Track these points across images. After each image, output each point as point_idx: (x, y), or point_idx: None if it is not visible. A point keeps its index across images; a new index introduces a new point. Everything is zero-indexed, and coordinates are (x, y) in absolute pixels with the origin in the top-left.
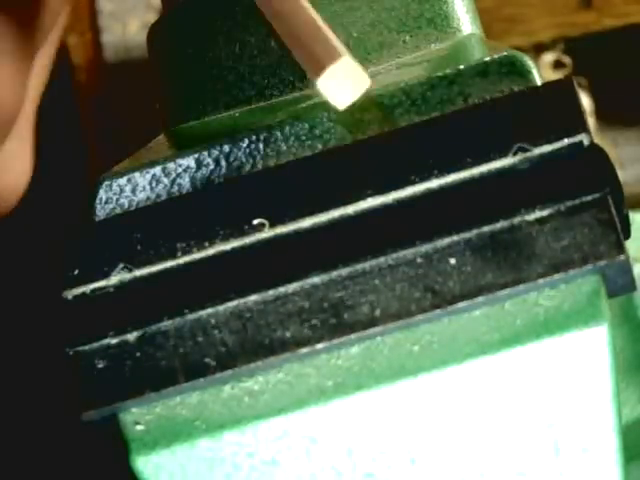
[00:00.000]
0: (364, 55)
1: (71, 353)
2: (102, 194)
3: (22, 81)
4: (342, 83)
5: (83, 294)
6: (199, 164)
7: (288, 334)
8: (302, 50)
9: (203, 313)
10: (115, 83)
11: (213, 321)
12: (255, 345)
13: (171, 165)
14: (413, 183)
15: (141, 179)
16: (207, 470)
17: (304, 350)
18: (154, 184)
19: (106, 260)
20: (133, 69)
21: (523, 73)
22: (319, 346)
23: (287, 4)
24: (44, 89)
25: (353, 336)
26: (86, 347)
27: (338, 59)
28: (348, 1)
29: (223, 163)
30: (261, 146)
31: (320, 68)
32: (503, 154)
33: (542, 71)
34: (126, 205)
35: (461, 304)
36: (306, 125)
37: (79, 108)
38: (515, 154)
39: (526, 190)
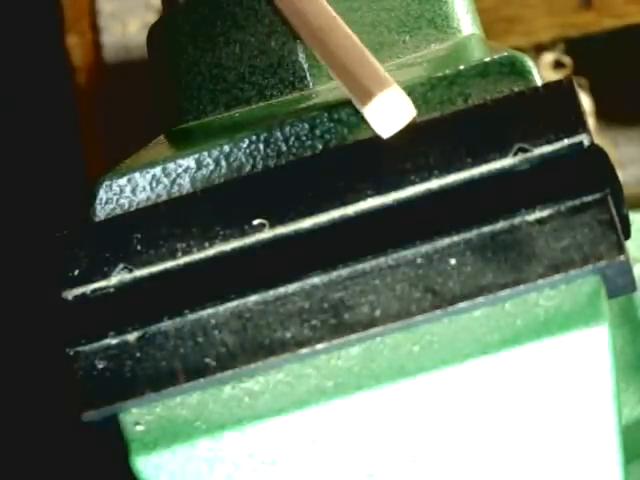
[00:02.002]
0: None
1: (71, 353)
2: (102, 194)
3: None
4: (388, 112)
5: (83, 294)
6: (199, 164)
7: (288, 334)
8: (348, 75)
9: (203, 313)
10: (115, 83)
11: (213, 321)
12: (255, 345)
13: (171, 165)
14: (413, 183)
15: (141, 179)
16: (207, 470)
17: (304, 350)
18: (154, 184)
19: (106, 260)
20: (133, 69)
21: (523, 73)
22: (319, 346)
23: (332, 31)
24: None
25: (353, 336)
26: (86, 347)
27: (387, 88)
28: (348, 1)
29: (223, 163)
30: (261, 146)
31: (368, 96)
32: (503, 154)
33: (542, 71)
34: (126, 205)
35: (461, 304)
36: (306, 125)
37: (79, 108)
38: (515, 154)
39: (526, 190)
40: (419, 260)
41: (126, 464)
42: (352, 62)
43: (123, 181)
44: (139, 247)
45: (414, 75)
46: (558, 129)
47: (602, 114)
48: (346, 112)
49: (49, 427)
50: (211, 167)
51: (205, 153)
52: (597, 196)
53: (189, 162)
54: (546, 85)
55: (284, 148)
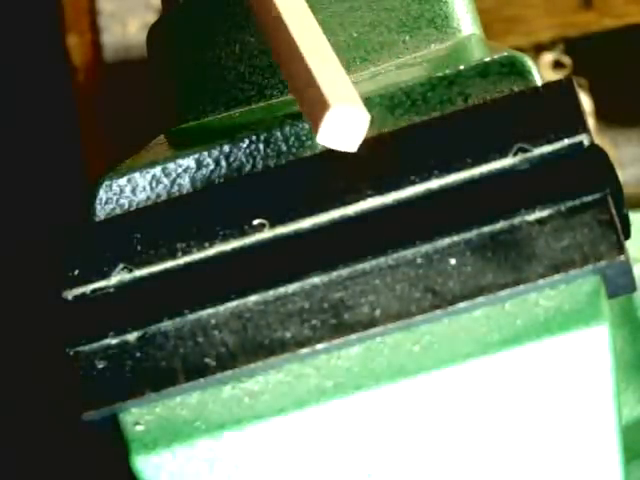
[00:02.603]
0: (364, 55)
1: (71, 353)
2: (102, 194)
3: None
4: (341, 128)
5: (83, 294)
6: (199, 164)
7: (288, 334)
8: (298, 100)
9: (203, 313)
10: (115, 83)
11: (213, 321)
12: (255, 345)
13: (171, 165)
14: (413, 183)
15: (141, 179)
16: (207, 470)
17: (304, 350)
18: (154, 184)
19: (106, 260)
20: (133, 69)
21: (523, 73)
22: (319, 346)
23: (282, 39)
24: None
25: (353, 336)
26: (86, 347)
27: (326, 111)
28: (348, 1)
29: (223, 163)
30: (261, 146)
31: (315, 125)
32: (503, 154)
33: (542, 71)
34: (126, 205)
35: (461, 304)
36: (306, 125)
37: (79, 108)
38: (515, 154)
39: (526, 190)
40: (419, 260)
41: (126, 464)
42: (300, 85)
43: (123, 181)
44: (139, 247)
45: (414, 75)
46: (558, 129)
47: (602, 114)
48: None
49: (49, 427)
50: (211, 167)
51: (205, 153)
52: (597, 196)
53: (189, 162)
54: (546, 85)
55: (284, 148)
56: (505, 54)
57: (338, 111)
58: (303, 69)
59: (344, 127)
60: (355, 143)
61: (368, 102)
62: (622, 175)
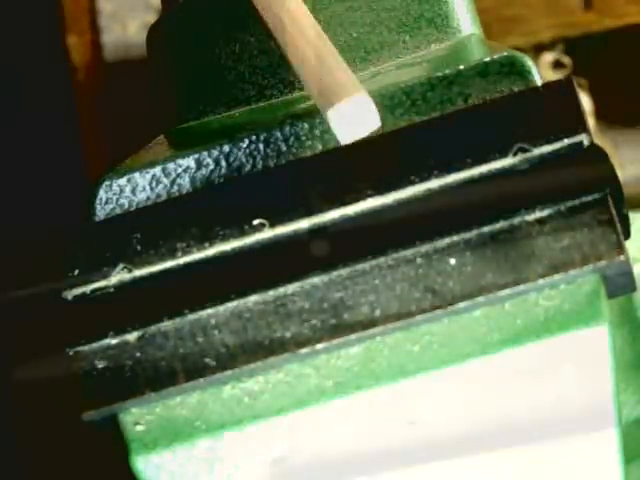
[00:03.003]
0: (364, 55)
1: (71, 353)
2: (102, 194)
3: None
4: (352, 118)
5: (83, 294)
6: (199, 164)
7: (288, 334)
8: (311, 77)
9: (203, 313)
10: (115, 83)
11: (213, 321)
12: (255, 345)
13: (171, 165)
14: (413, 183)
15: (141, 179)
16: (207, 470)
17: (304, 350)
18: (154, 184)
19: (106, 260)
20: (133, 69)
21: (523, 73)
22: (319, 346)
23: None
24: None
25: (353, 336)
26: (86, 347)
27: (353, 94)
28: (348, 1)
29: (223, 163)
30: (261, 146)
31: (336, 98)
32: (503, 154)
33: (542, 71)
34: (126, 205)
35: (461, 304)
36: (306, 125)
37: (79, 108)
38: (515, 154)
39: (526, 190)
40: (419, 260)
41: (126, 464)
42: (312, 72)
43: (123, 181)
44: (139, 247)
45: (414, 75)
46: (558, 129)
47: (602, 114)
48: None
49: (50, 427)
50: (211, 167)
51: (205, 153)
52: (597, 196)
53: (189, 162)
54: (546, 85)
55: (284, 148)
56: (505, 54)
57: (343, 108)
58: (323, 52)
59: (356, 117)
60: (353, 136)
61: None
62: (622, 175)
